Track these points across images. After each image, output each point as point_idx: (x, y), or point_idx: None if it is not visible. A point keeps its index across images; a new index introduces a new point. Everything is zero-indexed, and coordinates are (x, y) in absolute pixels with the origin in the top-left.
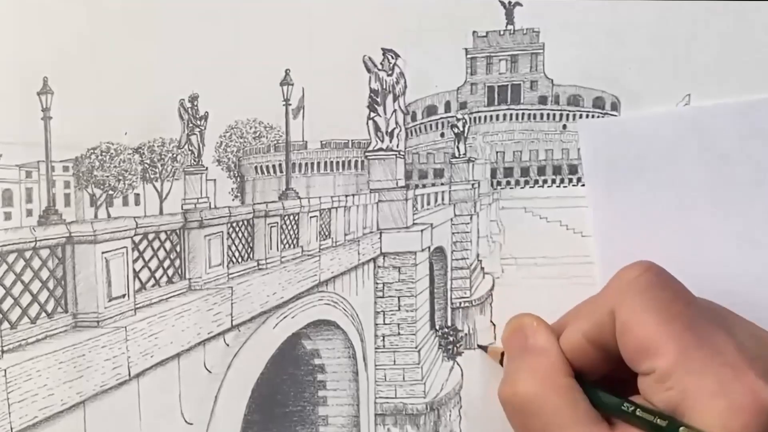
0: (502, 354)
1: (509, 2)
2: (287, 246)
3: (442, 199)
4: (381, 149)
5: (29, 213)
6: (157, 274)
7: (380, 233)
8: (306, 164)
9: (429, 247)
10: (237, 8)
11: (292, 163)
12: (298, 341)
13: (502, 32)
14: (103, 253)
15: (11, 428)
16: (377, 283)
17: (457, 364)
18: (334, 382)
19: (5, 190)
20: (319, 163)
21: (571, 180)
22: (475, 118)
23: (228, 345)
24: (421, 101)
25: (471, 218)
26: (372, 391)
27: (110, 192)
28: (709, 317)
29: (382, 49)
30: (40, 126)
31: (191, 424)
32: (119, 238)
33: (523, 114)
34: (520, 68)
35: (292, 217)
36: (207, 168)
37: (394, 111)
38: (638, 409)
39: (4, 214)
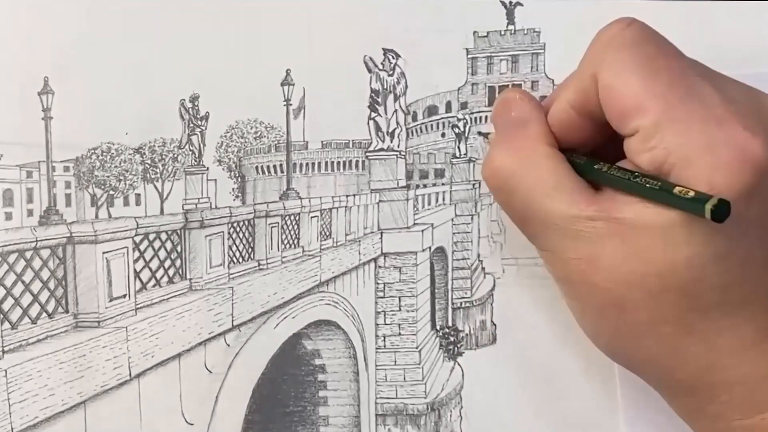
0: None
1: (510, 2)
2: (288, 246)
3: (443, 199)
4: (382, 149)
5: (30, 213)
6: (158, 275)
7: (381, 233)
8: (307, 164)
9: (430, 247)
10: (237, 8)
11: (292, 163)
12: (298, 341)
13: (503, 32)
14: (103, 253)
15: (12, 428)
16: (378, 284)
17: (458, 364)
18: (335, 383)
19: (6, 191)
20: (319, 163)
21: None
22: (475, 118)
23: (229, 345)
24: (422, 101)
25: (472, 218)
26: (373, 391)
27: (111, 192)
28: (696, 70)
29: (383, 49)
30: (41, 126)
31: (192, 424)
32: (120, 238)
33: None
34: (521, 68)
35: (292, 218)
36: (208, 168)
37: (395, 111)
38: (611, 168)
39: (5, 214)
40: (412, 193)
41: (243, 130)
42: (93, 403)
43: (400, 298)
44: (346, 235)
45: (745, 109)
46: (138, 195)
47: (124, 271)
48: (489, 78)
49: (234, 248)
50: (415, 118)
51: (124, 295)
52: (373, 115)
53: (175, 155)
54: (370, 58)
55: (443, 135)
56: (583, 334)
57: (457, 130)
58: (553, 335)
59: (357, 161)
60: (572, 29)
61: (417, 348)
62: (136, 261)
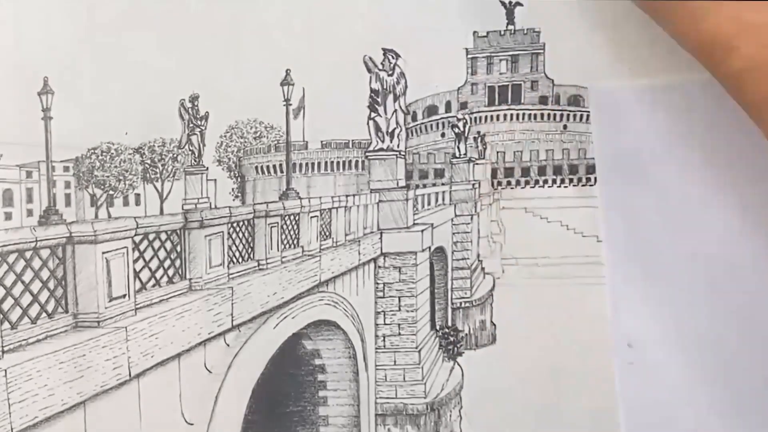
0: None
1: (510, 2)
2: (288, 246)
3: (443, 199)
4: (381, 149)
5: (30, 213)
6: (158, 274)
7: (381, 233)
8: (306, 164)
9: (429, 247)
10: (237, 8)
11: (292, 163)
12: (298, 341)
13: (502, 32)
14: (103, 253)
15: (12, 428)
16: (378, 284)
17: (458, 364)
18: (335, 383)
19: (6, 190)
20: (319, 163)
21: (571, 180)
22: (475, 118)
23: (228, 345)
24: (422, 101)
25: (471, 218)
26: (372, 391)
27: (111, 192)
28: None
29: (383, 49)
30: (41, 126)
31: (192, 424)
32: (120, 238)
33: (523, 114)
34: (521, 68)
35: (292, 217)
36: (207, 168)
37: (395, 111)
38: None
39: (5, 214)
40: (412, 193)
41: (243, 130)
42: (93, 403)
43: (399, 298)
44: (346, 235)
45: None
46: (138, 195)
47: (123, 271)
48: (489, 78)
49: (234, 248)
50: (414, 118)
51: (124, 295)
52: (373, 115)
53: (175, 155)
54: (370, 58)
55: (443, 135)
56: (582, 334)
57: (456, 130)
58: (553, 335)
59: (357, 161)
60: (572, 29)
61: (417, 348)
62: (135, 261)
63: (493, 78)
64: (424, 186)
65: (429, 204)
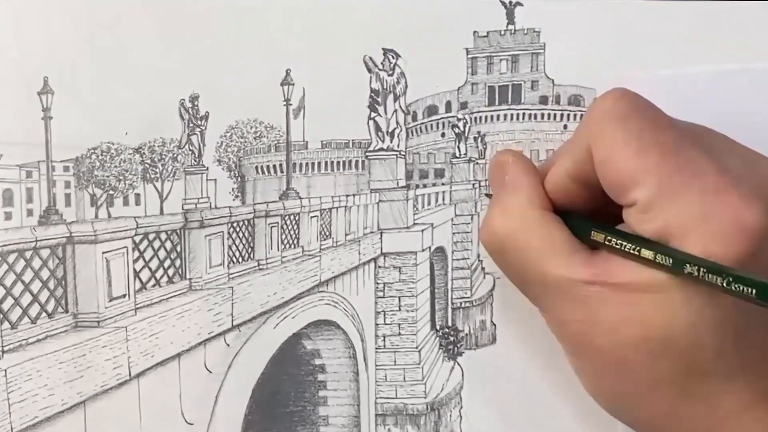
0: None
1: (510, 2)
2: (288, 246)
3: (443, 199)
4: (382, 149)
5: (30, 213)
6: (158, 274)
7: (381, 233)
8: (306, 164)
9: (430, 247)
10: (237, 8)
11: (292, 163)
12: (298, 341)
13: (502, 32)
14: (103, 253)
15: (11, 428)
16: (378, 283)
17: (458, 364)
18: (335, 382)
19: (6, 190)
20: (319, 163)
21: None
22: (475, 118)
23: (228, 345)
24: (422, 101)
25: (472, 218)
26: (372, 391)
27: (111, 192)
28: (689, 140)
29: (383, 49)
30: (41, 126)
31: (192, 424)
32: (120, 238)
33: (523, 114)
34: (521, 68)
35: (292, 217)
36: (207, 168)
37: (395, 111)
38: (613, 236)
39: (5, 214)
40: (412, 193)
41: (243, 130)
42: (93, 403)
43: (399, 298)
44: (346, 235)
45: (740, 176)
46: (138, 195)
47: (123, 271)
48: (489, 78)
49: (234, 248)
50: (414, 118)
51: (124, 295)
52: (373, 115)
53: (175, 155)
54: (370, 58)
55: (443, 135)
56: None
57: (456, 130)
58: (552, 335)
59: (357, 161)
60: (572, 29)
61: (417, 348)
62: (135, 261)
63: (493, 78)
64: (424, 186)
65: (429, 204)
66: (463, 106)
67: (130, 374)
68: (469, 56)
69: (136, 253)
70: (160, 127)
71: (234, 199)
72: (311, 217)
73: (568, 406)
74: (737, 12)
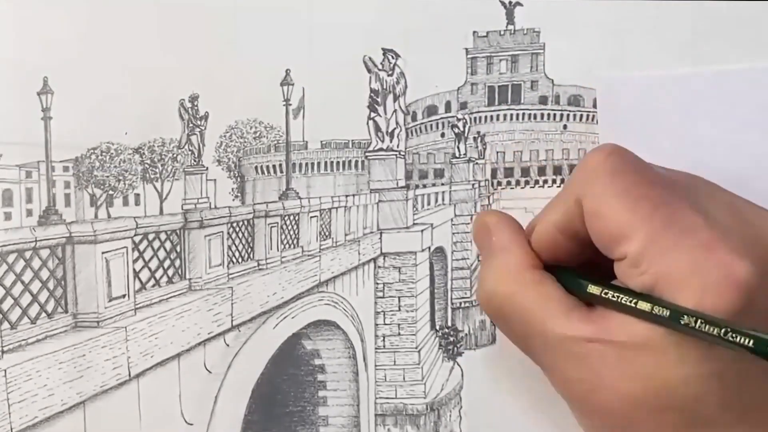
0: None
1: (510, 2)
2: (287, 246)
3: (443, 199)
4: (381, 149)
5: (29, 213)
6: (158, 275)
7: (380, 233)
8: (306, 164)
9: (429, 247)
10: (237, 8)
11: (292, 163)
12: (298, 341)
13: (502, 32)
14: (103, 253)
15: (11, 428)
16: (377, 284)
17: (458, 364)
18: (335, 383)
19: (5, 190)
20: (319, 163)
21: None
22: (475, 118)
23: (228, 345)
24: (422, 101)
25: (471, 218)
26: (372, 391)
27: (110, 192)
28: (678, 194)
29: (383, 49)
30: (40, 126)
31: (191, 424)
32: (119, 238)
33: (523, 114)
34: (521, 68)
35: (292, 217)
36: (207, 168)
37: (395, 111)
38: (609, 291)
39: (4, 214)
40: (412, 193)
41: (242, 130)
42: (92, 403)
43: (399, 298)
44: (346, 235)
45: (728, 228)
46: (137, 195)
47: (123, 271)
48: (488, 78)
49: (233, 248)
50: (414, 118)
51: (124, 295)
52: (373, 115)
53: (175, 155)
54: (370, 58)
55: (443, 135)
56: None
57: (456, 130)
58: None
59: (356, 161)
60: (572, 29)
61: (416, 348)
62: (135, 261)
63: (493, 78)
64: (424, 186)
65: (429, 204)
66: (463, 106)
67: (129, 374)
68: (469, 56)
69: (136, 254)
70: (159, 127)
71: (234, 200)
72: (311, 217)
73: (568, 405)
74: (737, 12)
